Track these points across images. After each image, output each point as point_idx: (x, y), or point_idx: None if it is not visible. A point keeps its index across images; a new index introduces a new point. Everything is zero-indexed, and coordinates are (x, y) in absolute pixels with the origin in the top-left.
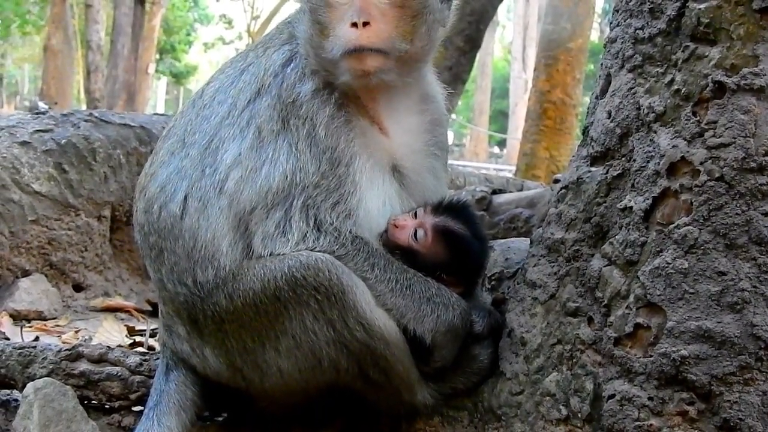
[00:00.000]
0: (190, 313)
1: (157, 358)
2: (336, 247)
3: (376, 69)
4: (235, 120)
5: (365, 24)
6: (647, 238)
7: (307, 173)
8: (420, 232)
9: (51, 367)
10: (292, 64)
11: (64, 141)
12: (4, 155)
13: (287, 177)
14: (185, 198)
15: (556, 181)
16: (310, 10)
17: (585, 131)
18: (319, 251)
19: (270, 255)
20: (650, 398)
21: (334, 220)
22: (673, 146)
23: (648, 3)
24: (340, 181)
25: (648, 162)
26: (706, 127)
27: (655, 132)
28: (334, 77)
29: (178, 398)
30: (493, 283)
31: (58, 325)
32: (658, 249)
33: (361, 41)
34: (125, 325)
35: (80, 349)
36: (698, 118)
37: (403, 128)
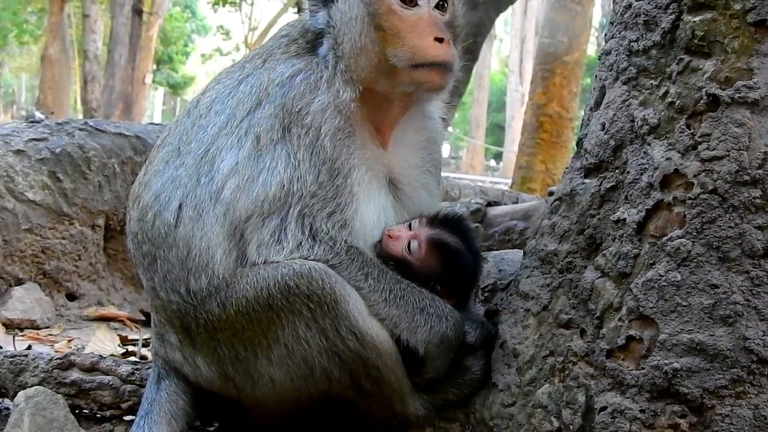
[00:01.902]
0: (182, 322)
1: (149, 368)
2: (330, 257)
3: (448, 84)
4: (233, 130)
5: (448, 41)
6: (640, 250)
7: (305, 183)
8: (414, 244)
9: (42, 375)
10: (300, 76)
11: (58, 150)
12: None
13: (284, 186)
14: (180, 207)
15: (551, 193)
16: (370, 15)
17: (579, 143)
18: (313, 260)
19: (264, 263)
20: (642, 411)
21: (329, 229)
22: (667, 159)
23: (643, 15)
24: (338, 192)
25: (641, 174)
26: (699, 139)
27: (649, 144)
28: (390, 85)
29: (170, 407)
30: (486, 294)
31: (50, 334)
32: (651, 261)
33: (448, 57)
34: (118, 335)
35: (72, 357)
36: (692, 130)
37: (401, 143)
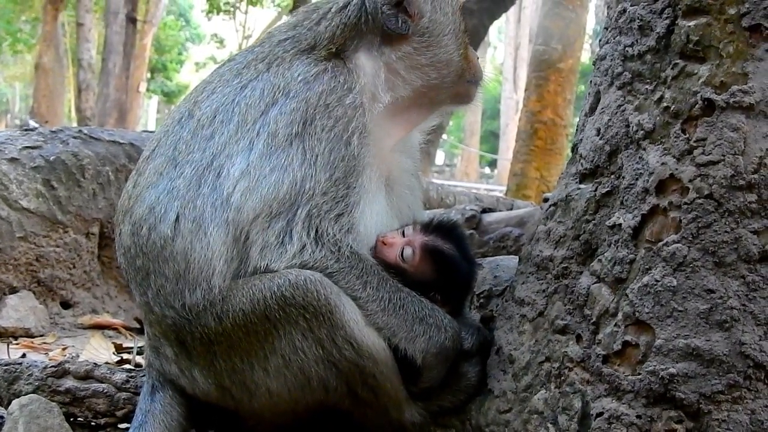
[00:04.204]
0: (177, 336)
1: (144, 376)
2: (331, 263)
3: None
4: (245, 134)
5: None
6: (636, 255)
7: (318, 181)
8: (407, 251)
9: (37, 383)
10: (329, 74)
11: (52, 157)
12: None
13: (296, 183)
14: (177, 218)
15: (546, 200)
16: (463, 33)
17: (574, 148)
18: (312, 265)
19: (266, 266)
20: (638, 416)
21: (336, 232)
22: (662, 163)
23: (637, 20)
24: (348, 191)
25: (637, 179)
26: (695, 144)
27: (644, 149)
28: (443, 95)
29: (164, 419)
30: (481, 300)
31: (45, 343)
32: (646, 266)
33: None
34: (113, 343)
35: (66, 365)
36: (687, 135)
37: (398, 147)
